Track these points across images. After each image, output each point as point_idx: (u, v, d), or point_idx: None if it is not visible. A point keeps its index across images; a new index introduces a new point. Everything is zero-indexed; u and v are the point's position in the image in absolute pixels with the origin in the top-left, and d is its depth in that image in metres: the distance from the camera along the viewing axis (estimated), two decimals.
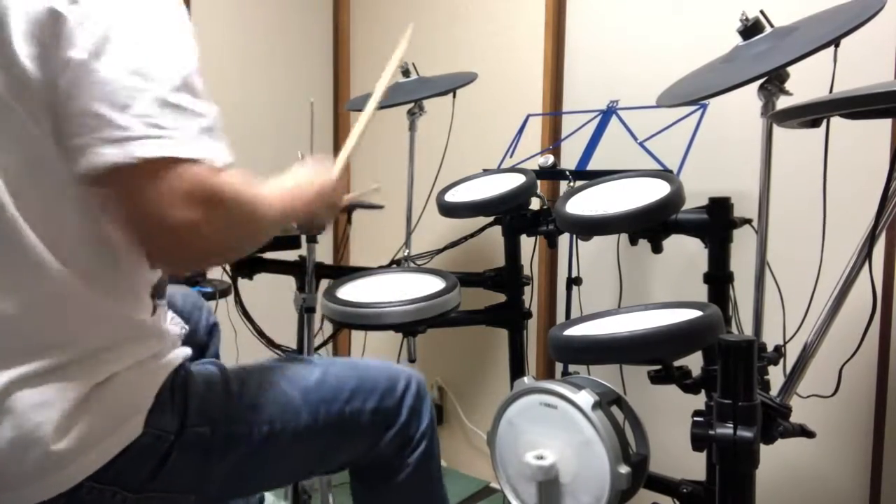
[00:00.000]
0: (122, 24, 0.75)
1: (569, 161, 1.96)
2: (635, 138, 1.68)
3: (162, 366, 0.89)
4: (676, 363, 1.18)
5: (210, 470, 0.91)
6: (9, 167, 0.77)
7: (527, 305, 1.85)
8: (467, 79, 1.93)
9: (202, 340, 1.34)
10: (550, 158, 1.79)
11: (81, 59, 0.73)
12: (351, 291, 1.55)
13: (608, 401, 1.22)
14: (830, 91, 1.26)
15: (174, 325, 1.00)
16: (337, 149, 1.77)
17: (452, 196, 1.77)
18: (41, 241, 0.79)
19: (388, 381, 1.08)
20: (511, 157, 1.92)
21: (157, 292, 0.95)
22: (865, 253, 1.02)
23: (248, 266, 1.80)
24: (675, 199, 1.34)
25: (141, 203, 0.75)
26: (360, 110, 1.88)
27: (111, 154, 0.73)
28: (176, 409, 0.88)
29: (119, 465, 0.83)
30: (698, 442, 1.00)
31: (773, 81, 1.25)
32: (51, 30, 0.74)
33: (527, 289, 1.85)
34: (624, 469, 1.14)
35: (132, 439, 0.83)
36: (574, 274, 1.82)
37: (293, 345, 1.92)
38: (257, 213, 0.85)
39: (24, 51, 0.74)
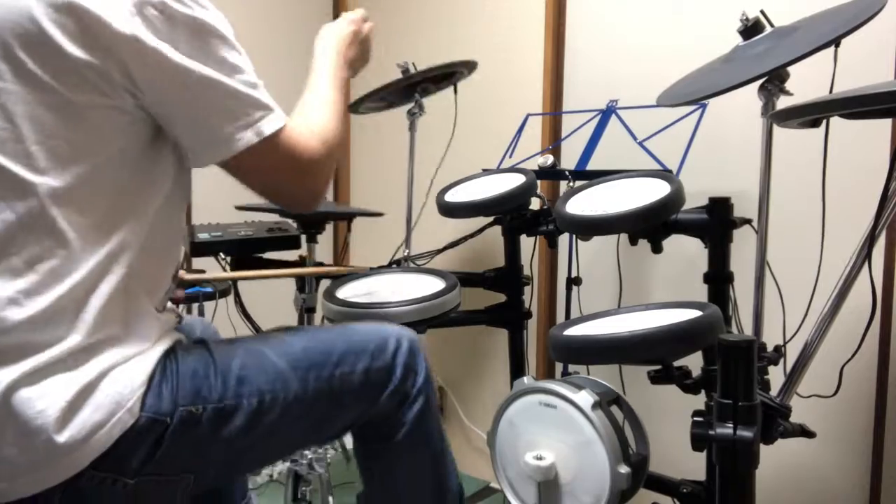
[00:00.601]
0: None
1: (569, 161, 1.96)
2: (635, 138, 1.68)
3: (156, 351, 0.90)
4: (676, 363, 1.18)
5: (205, 449, 0.91)
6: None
7: (527, 305, 1.85)
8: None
9: None
10: (550, 158, 1.79)
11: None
12: (351, 291, 1.55)
13: (608, 401, 1.22)
14: (830, 91, 1.26)
15: (170, 313, 1.00)
16: None
17: (452, 196, 1.77)
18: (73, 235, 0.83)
19: (377, 341, 1.06)
20: (511, 157, 1.92)
21: (170, 290, 0.97)
22: (865, 253, 1.02)
23: (249, 266, 1.80)
24: (675, 199, 1.34)
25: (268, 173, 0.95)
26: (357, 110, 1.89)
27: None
28: (169, 391, 0.88)
29: (117, 451, 0.83)
30: (698, 442, 1.00)
31: (774, 81, 1.25)
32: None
33: (527, 289, 1.85)
34: (624, 469, 1.14)
35: (129, 424, 0.84)
36: (574, 274, 1.82)
37: None
38: (331, 123, 1.03)
39: None
